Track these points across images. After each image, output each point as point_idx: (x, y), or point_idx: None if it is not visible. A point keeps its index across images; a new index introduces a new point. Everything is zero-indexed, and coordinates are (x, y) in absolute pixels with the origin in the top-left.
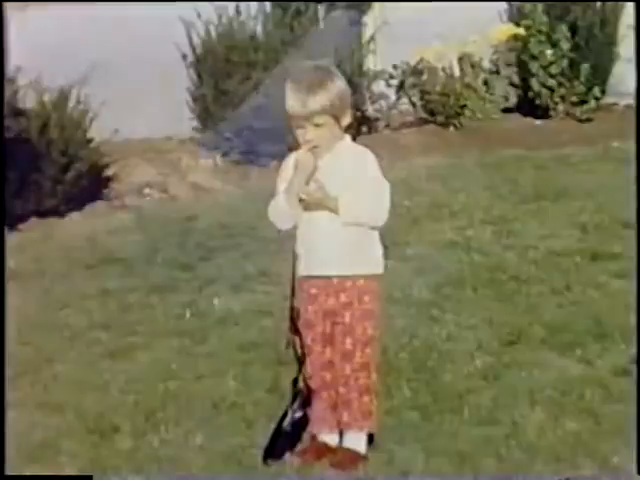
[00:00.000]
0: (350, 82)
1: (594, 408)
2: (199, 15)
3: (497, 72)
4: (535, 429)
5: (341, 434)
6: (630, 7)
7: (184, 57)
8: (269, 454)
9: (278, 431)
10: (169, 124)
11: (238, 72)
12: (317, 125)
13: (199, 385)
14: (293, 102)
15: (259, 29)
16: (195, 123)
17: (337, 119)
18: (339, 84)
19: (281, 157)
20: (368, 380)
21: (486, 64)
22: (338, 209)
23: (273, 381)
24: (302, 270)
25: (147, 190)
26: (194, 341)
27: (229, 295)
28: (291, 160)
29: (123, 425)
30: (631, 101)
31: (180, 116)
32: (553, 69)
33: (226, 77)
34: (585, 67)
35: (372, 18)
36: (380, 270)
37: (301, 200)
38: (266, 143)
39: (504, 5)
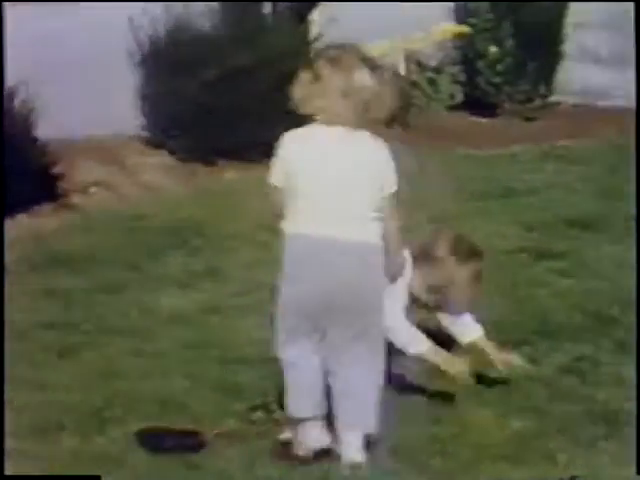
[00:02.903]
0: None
1: (540, 406)
2: (145, 12)
3: (442, 70)
4: (481, 427)
5: None
6: (575, 6)
7: (130, 55)
8: None
9: None
10: (116, 122)
11: (185, 70)
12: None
13: (147, 384)
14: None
15: (207, 26)
16: (143, 121)
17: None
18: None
19: (229, 154)
20: None
21: (431, 62)
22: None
23: (221, 380)
24: None
25: (93, 189)
26: (142, 340)
27: (177, 293)
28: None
29: (69, 424)
30: (578, 100)
31: (127, 114)
32: (499, 67)
33: (173, 75)
34: (531, 65)
35: (319, 15)
36: None
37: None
38: (214, 141)
39: (450, 3)
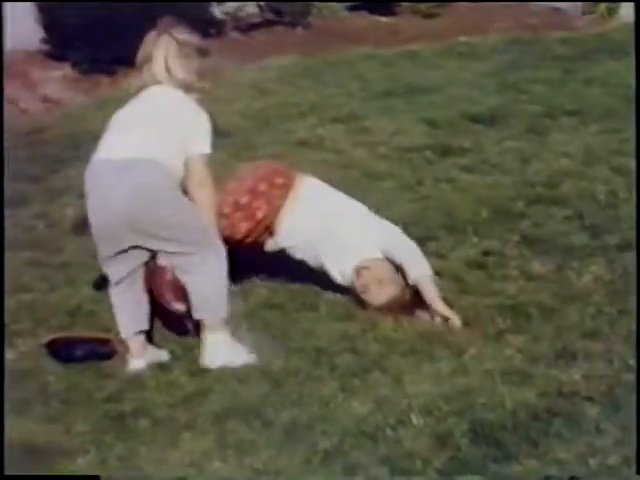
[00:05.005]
0: None
1: (449, 300)
2: None
3: None
4: (390, 322)
5: None
6: None
7: None
8: None
9: None
10: (17, 37)
11: None
12: None
13: (54, 295)
14: None
15: None
16: (43, 35)
17: None
18: None
19: (130, 62)
20: None
21: None
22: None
23: None
24: None
25: None
26: (47, 252)
27: (81, 204)
28: None
29: None
30: None
31: (27, 28)
32: None
33: None
34: None
35: None
36: None
37: None
38: (114, 50)
39: None
